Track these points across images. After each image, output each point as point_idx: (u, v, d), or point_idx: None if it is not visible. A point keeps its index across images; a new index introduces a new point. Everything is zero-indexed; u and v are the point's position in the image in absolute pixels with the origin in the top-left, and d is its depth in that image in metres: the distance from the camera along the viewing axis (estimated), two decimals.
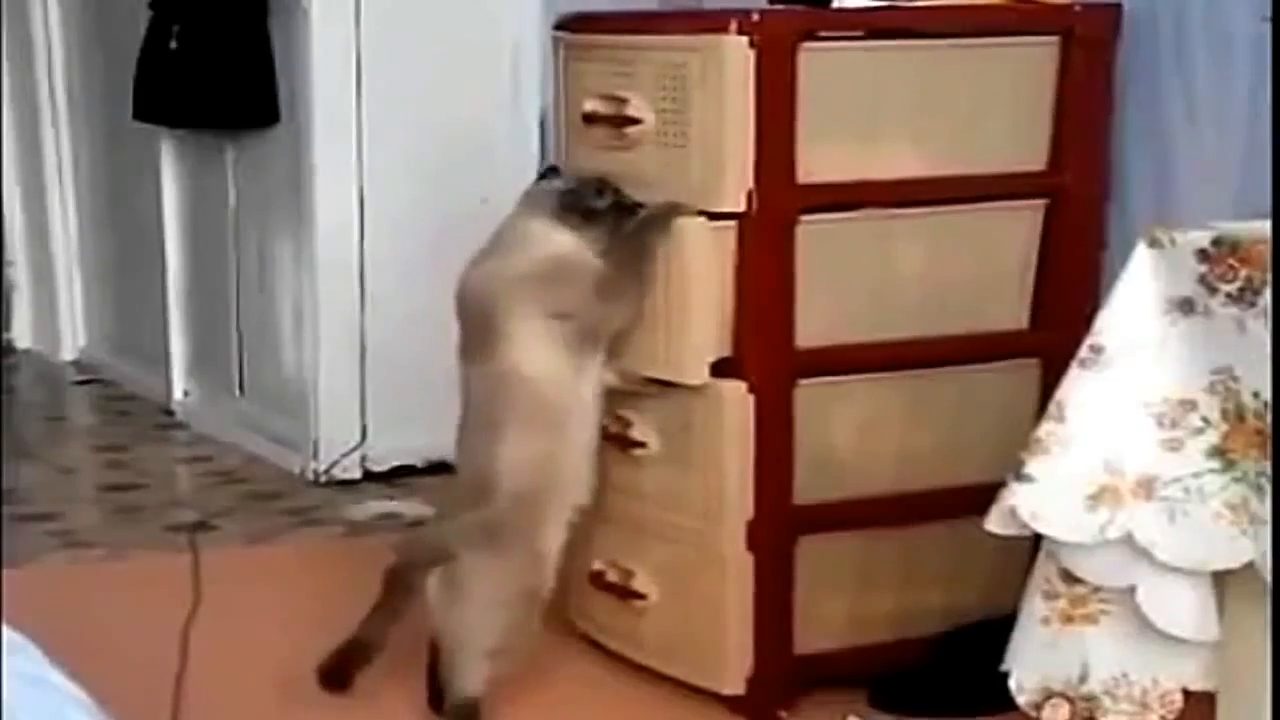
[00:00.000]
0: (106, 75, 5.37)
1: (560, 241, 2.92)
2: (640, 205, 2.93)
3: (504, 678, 2.92)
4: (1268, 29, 2.83)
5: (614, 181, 2.95)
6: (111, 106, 5.24)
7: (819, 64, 2.88)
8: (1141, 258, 2.14)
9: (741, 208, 2.87)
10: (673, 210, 2.88)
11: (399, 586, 2.91)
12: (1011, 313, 3.10)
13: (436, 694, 2.97)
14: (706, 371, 2.90)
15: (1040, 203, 3.07)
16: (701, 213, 2.88)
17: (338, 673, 2.91)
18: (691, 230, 2.86)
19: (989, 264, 3.08)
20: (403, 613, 2.91)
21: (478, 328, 2.93)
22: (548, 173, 3.14)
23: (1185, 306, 2.11)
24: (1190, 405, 2.11)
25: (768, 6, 3.14)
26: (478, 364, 2.92)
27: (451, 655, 2.90)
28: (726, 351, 2.91)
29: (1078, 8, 3.07)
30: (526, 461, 2.86)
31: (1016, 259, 3.09)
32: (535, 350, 2.86)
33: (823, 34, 2.91)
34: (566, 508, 2.92)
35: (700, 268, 2.86)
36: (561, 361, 2.87)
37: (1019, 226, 3.09)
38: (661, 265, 2.88)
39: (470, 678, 2.88)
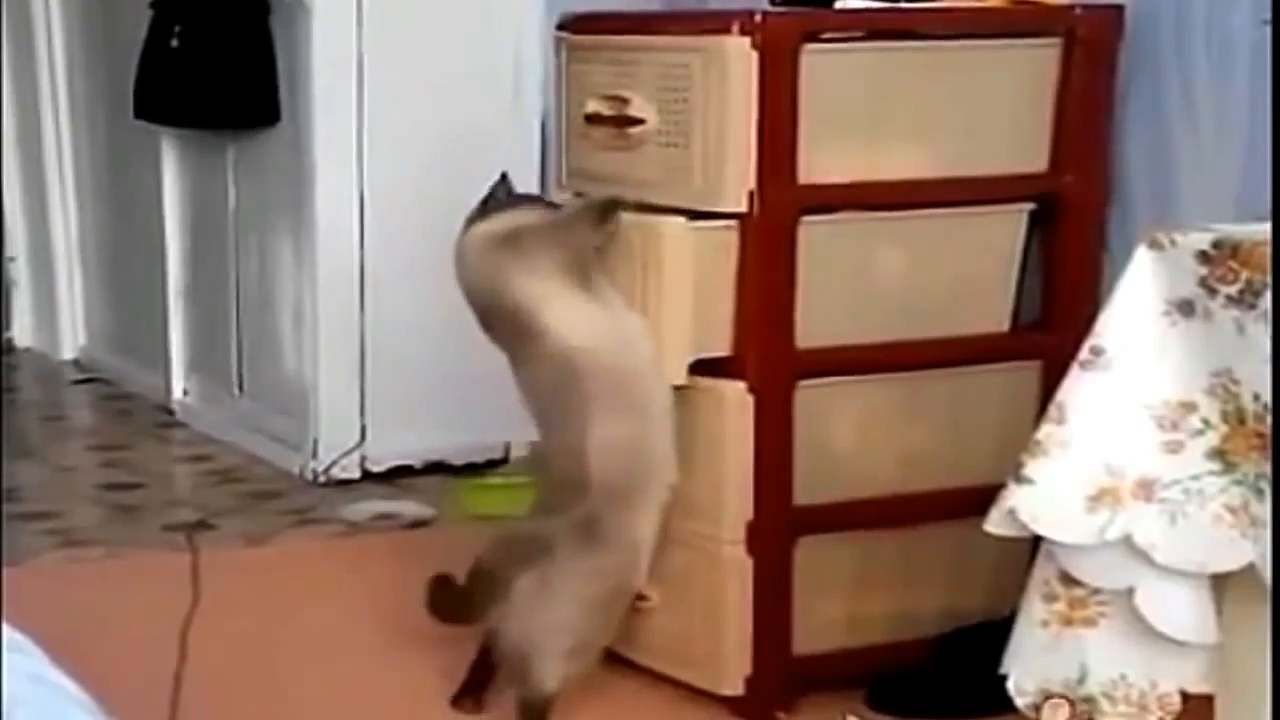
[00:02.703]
0: (108, 74, 5.37)
1: (501, 219, 2.95)
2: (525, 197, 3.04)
3: (579, 676, 2.91)
4: (1268, 31, 2.83)
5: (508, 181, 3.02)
6: (112, 106, 5.25)
7: (821, 65, 2.88)
8: (1142, 260, 2.14)
9: (743, 208, 2.87)
10: (612, 203, 2.90)
11: (488, 581, 2.88)
12: (1007, 314, 3.11)
13: (471, 686, 2.97)
14: (685, 372, 2.89)
15: (1024, 206, 3.08)
16: (697, 214, 2.88)
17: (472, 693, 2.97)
18: (670, 231, 2.86)
19: (989, 265, 3.08)
20: (486, 612, 2.89)
21: (502, 322, 2.91)
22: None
23: (1185, 308, 2.11)
24: (1190, 407, 2.11)
25: (770, 7, 3.14)
26: (527, 356, 2.89)
27: (528, 653, 2.86)
28: (721, 351, 2.91)
29: (1079, 9, 3.07)
30: (617, 446, 2.83)
31: (1014, 260, 3.10)
32: (563, 309, 2.84)
33: (825, 35, 2.91)
34: (660, 489, 2.88)
35: (678, 268, 2.86)
36: (589, 306, 2.85)
37: (1018, 229, 3.09)
38: (639, 265, 2.87)
39: (548, 676, 2.86)
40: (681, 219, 2.87)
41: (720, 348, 2.91)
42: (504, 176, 3.03)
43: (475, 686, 2.97)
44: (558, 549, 2.84)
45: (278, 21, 4.46)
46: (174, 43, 4.60)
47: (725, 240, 2.87)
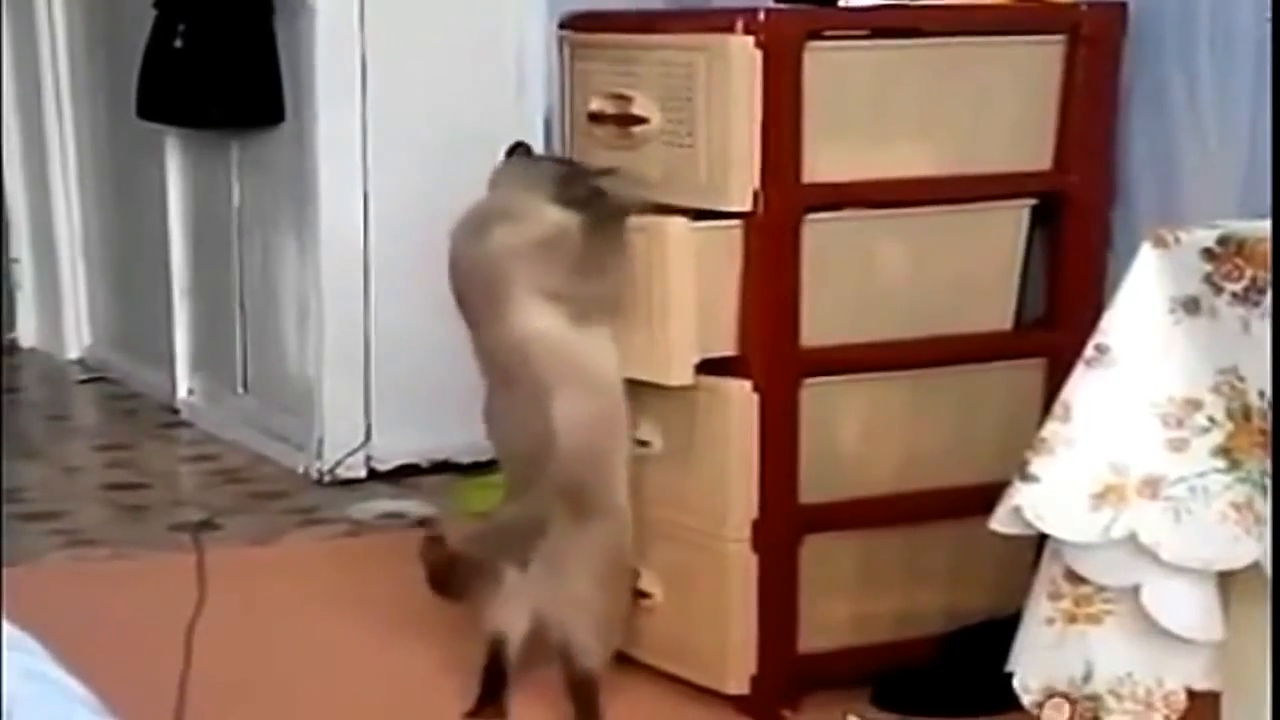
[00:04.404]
0: (111, 74, 5.37)
1: (557, 219, 2.92)
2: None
3: (613, 649, 2.93)
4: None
5: (593, 168, 2.97)
6: (116, 105, 5.25)
7: (825, 63, 2.88)
8: (1147, 257, 2.14)
9: (747, 207, 2.87)
10: (631, 204, 2.90)
11: (475, 575, 2.88)
12: (1010, 312, 3.12)
13: (487, 696, 2.95)
14: (691, 373, 2.89)
15: (1025, 202, 3.07)
16: (702, 213, 2.88)
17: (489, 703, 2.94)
18: (675, 231, 2.86)
19: (993, 263, 3.08)
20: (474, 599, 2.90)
21: (483, 296, 2.91)
22: (516, 148, 3.12)
23: (1191, 306, 2.10)
24: (1196, 405, 2.11)
25: (774, 5, 3.14)
26: (490, 328, 2.90)
27: (564, 635, 2.87)
28: (726, 350, 2.91)
29: (1083, 7, 3.07)
30: (584, 418, 2.85)
31: (1016, 258, 3.10)
32: (543, 318, 2.86)
33: (828, 33, 2.91)
34: (625, 450, 2.91)
35: (683, 269, 2.86)
36: (568, 329, 2.86)
37: (1020, 226, 3.09)
38: (644, 266, 2.87)
39: (588, 654, 2.87)
40: (685, 219, 2.86)
41: (725, 347, 2.91)
42: (588, 168, 2.99)
43: (492, 695, 2.95)
44: (552, 525, 2.84)
45: (281, 21, 4.46)
46: (177, 42, 4.60)
47: (730, 239, 2.87)
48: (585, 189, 2.94)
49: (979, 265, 3.07)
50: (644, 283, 2.87)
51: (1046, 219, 3.11)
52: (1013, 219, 3.08)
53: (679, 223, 2.86)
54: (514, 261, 2.88)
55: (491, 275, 2.90)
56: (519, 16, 4.37)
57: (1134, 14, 3.07)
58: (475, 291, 2.93)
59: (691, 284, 2.86)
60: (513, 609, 2.90)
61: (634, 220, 2.89)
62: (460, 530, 3.09)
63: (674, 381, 2.89)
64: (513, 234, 2.91)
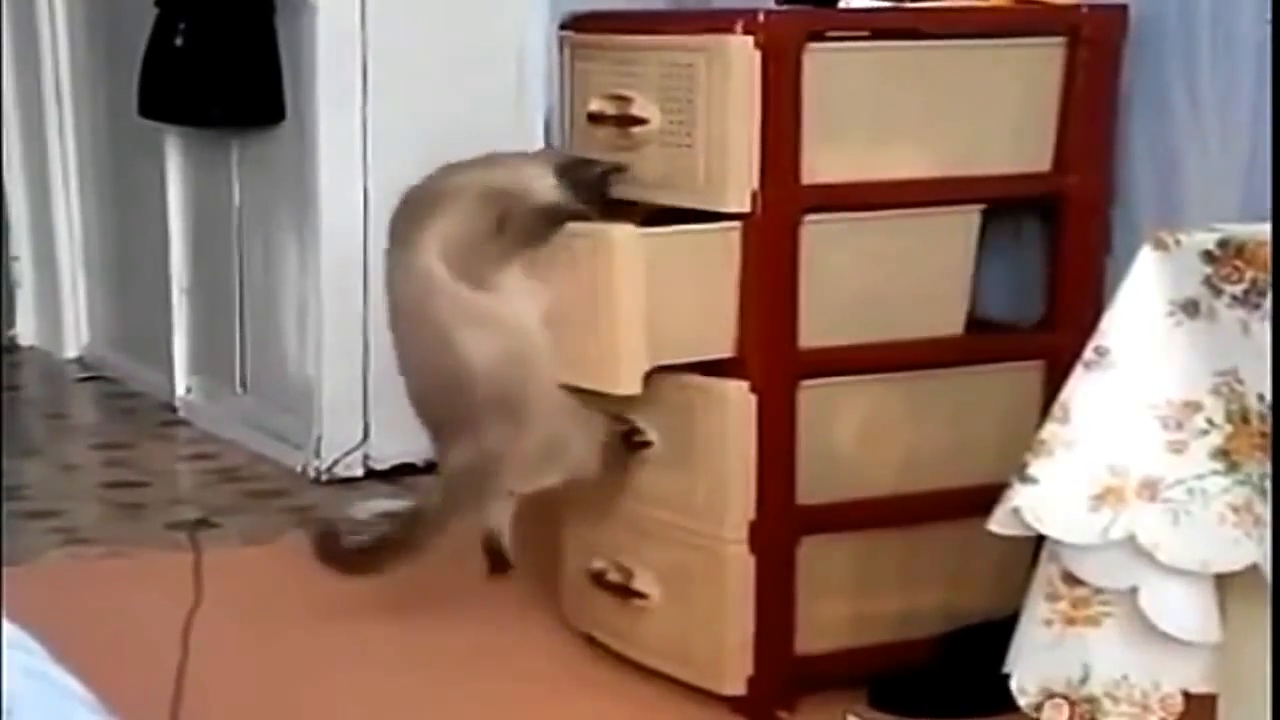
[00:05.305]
0: (112, 72, 5.37)
1: (541, 184, 2.99)
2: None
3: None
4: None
5: (611, 167, 2.99)
6: (117, 104, 5.25)
7: (824, 65, 2.88)
8: (1146, 259, 2.14)
9: (746, 208, 2.87)
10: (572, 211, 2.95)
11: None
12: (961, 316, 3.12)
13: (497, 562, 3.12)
14: (640, 383, 2.88)
15: (974, 207, 3.07)
16: (700, 214, 2.88)
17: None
18: (621, 240, 2.86)
19: (953, 264, 3.08)
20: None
21: (407, 220, 3.03)
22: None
23: (1190, 308, 2.10)
24: (1195, 407, 2.11)
25: (774, 7, 3.14)
26: (398, 251, 3.02)
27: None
28: (724, 352, 2.91)
29: (1084, 9, 3.07)
30: (493, 353, 2.94)
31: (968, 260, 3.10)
32: (439, 266, 2.95)
33: (828, 35, 2.91)
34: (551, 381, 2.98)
35: (631, 278, 2.85)
36: (456, 285, 2.95)
37: (973, 228, 3.09)
38: (589, 274, 2.88)
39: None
40: (633, 227, 2.86)
41: (723, 348, 2.91)
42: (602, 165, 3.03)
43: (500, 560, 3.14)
44: (503, 454, 2.97)
45: (282, 19, 4.46)
46: (178, 41, 4.61)
47: (728, 240, 2.87)
48: (591, 178, 2.98)
49: (982, 267, 3.08)
50: (590, 292, 2.87)
51: (1046, 220, 3.11)
52: (964, 223, 3.06)
53: (626, 230, 2.85)
54: (448, 199, 2.99)
55: (424, 204, 3.01)
56: (520, 17, 4.38)
57: (1135, 16, 3.07)
58: (406, 212, 3.05)
59: (640, 293, 2.84)
60: (502, 511, 3.09)
61: (579, 226, 2.92)
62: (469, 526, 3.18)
63: (622, 391, 2.89)
64: (479, 176, 3.02)
